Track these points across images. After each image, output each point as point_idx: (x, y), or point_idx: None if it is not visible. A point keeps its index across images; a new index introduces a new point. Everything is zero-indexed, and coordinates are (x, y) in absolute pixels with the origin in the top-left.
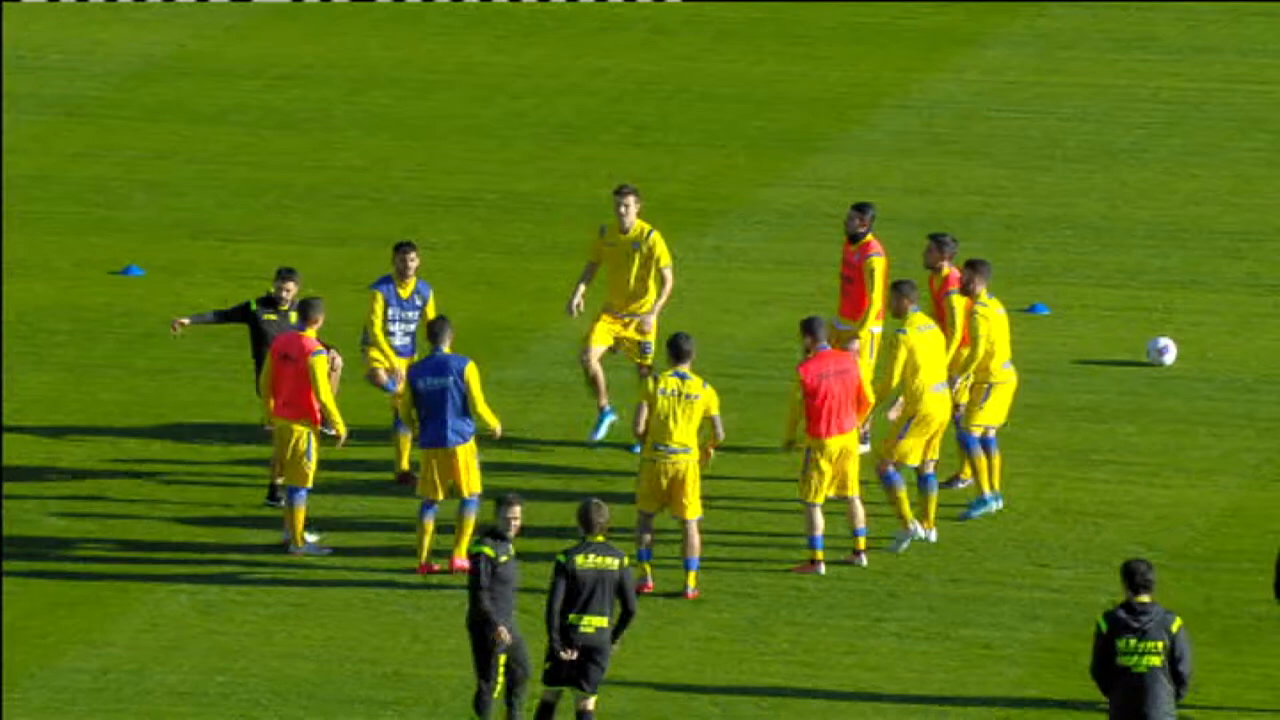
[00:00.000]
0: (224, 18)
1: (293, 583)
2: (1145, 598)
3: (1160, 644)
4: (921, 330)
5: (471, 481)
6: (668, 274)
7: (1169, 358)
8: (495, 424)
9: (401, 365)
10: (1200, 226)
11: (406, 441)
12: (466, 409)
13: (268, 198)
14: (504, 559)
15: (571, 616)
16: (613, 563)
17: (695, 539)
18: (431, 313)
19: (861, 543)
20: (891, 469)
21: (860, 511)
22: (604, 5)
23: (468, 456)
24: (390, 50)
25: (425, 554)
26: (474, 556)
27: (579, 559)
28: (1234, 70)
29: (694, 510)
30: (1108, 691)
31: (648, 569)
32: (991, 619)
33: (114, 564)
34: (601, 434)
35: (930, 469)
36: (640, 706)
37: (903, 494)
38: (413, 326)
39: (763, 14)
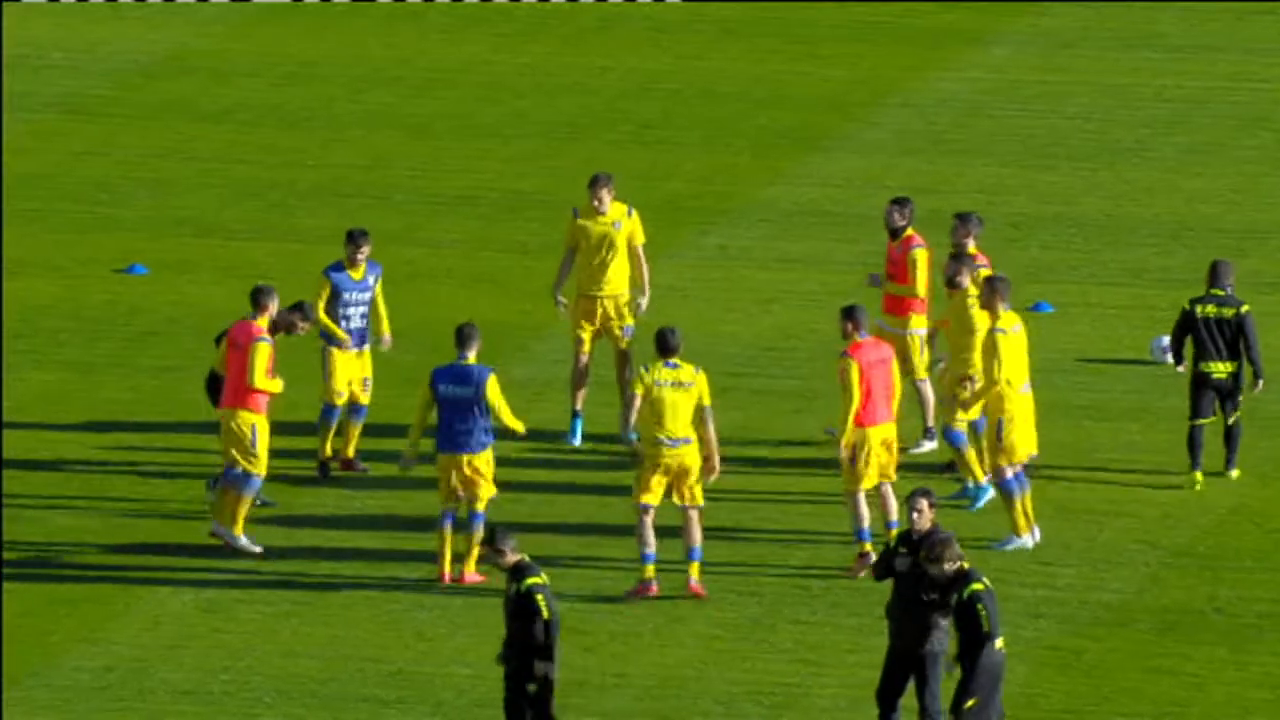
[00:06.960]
0: (226, 16)
1: (296, 581)
2: None
3: None
4: (1011, 331)
5: (483, 493)
6: (641, 252)
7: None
8: (519, 427)
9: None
10: (1204, 225)
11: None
12: (485, 418)
13: (271, 196)
14: None
15: None
16: None
17: (697, 529)
18: (379, 292)
19: (894, 535)
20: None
21: (894, 503)
22: (606, 3)
23: (483, 465)
24: (392, 49)
25: (446, 563)
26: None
27: None
28: (1238, 68)
29: (699, 498)
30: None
31: (651, 571)
32: None
33: (117, 562)
34: (579, 438)
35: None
36: (642, 705)
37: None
38: (366, 308)
39: (765, 12)
